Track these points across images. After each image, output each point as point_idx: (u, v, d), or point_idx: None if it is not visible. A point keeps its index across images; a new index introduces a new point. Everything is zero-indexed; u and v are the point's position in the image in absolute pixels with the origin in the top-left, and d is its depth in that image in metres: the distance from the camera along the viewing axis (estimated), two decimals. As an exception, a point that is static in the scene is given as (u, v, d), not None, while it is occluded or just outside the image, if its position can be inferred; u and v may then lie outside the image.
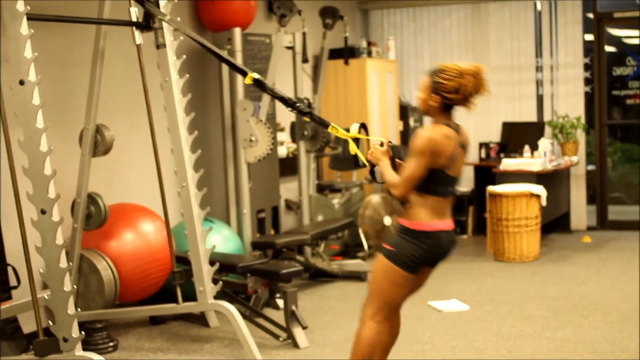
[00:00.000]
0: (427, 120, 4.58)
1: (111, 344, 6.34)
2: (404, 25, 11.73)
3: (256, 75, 4.87)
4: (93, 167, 6.38)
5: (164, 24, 6.01)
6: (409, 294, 4.72)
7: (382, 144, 4.51)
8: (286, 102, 4.84)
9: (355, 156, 4.64)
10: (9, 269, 6.15)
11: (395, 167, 4.51)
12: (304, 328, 6.32)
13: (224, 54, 5.30)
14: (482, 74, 4.38)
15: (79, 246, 6.40)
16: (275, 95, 4.87)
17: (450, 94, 4.34)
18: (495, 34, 11.22)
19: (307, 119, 8.19)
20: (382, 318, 4.59)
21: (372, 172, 4.63)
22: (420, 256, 4.45)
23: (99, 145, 6.30)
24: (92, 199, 6.38)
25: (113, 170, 7.19)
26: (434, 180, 4.40)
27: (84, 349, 5.63)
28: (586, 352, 5.95)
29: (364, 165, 4.60)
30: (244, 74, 4.96)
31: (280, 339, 6.39)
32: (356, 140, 4.60)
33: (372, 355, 4.61)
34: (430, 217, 4.43)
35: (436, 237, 4.45)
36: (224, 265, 6.72)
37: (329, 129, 4.64)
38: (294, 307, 6.31)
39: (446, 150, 4.36)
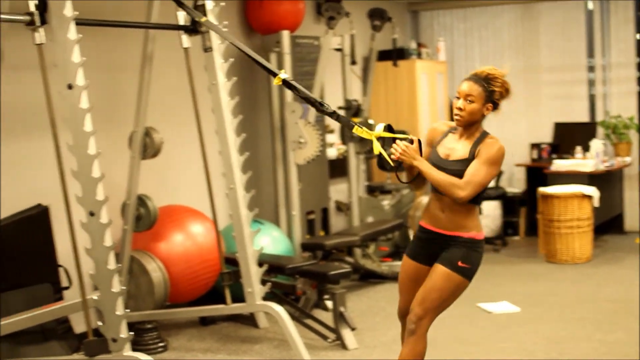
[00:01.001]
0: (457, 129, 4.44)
1: (161, 344, 6.39)
2: (454, 27, 11.69)
3: (284, 76, 4.72)
4: (142, 169, 6.44)
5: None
6: None
7: (411, 142, 4.32)
8: (312, 103, 4.61)
9: (380, 156, 4.36)
10: (61, 270, 6.25)
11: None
12: (353, 329, 6.33)
13: (252, 52, 5.19)
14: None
15: (129, 248, 6.47)
16: (302, 96, 4.73)
17: (500, 100, 4.32)
18: (546, 34, 11.13)
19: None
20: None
21: (397, 169, 4.40)
22: (479, 264, 4.44)
23: (148, 147, 6.37)
24: (141, 201, 6.45)
25: (162, 173, 7.26)
26: (485, 189, 4.39)
27: (135, 350, 5.69)
28: (638, 355, 5.88)
29: (390, 167, 4.34)
30: (274, 74, 4.82)
31: (329, 340, 6.40)
32: (382, 141, 4.33)
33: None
34: (479, 225, 4.44)
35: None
36: (273, 266, 6.74)
37: (354, 130, 4.39)
38: (342, 309, 6.32)
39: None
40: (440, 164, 4.35)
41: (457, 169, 4.32)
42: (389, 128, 4.38)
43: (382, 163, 4.37)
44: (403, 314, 4.65)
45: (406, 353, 4.47)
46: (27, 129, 6.14)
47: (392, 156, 4.29)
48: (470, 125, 4.36)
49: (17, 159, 6.09)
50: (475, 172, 4.28)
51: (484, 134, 4.37)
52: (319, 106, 4.59)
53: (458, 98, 4.34)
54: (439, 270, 4.39)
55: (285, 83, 4.64)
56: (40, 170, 6.13)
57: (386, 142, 4.36)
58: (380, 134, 4.34)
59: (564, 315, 6.94)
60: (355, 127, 4.41)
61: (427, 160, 4.38)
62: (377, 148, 4.34)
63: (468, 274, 4.38)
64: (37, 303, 5.91)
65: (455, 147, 4.41)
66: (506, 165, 11.13)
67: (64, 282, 6.27)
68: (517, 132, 11.30)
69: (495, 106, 4.33)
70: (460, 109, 4.32)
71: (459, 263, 4.36)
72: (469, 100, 4.30)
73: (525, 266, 9.07)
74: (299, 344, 5.88)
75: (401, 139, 4.32)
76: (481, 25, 11.52)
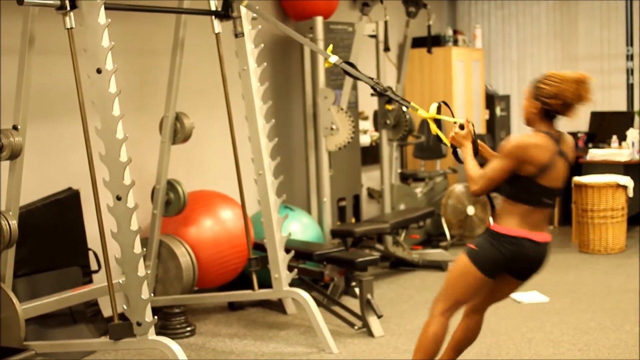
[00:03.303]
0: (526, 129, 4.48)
1: (189, 328, 6.44)
2: (492, 14, 11.63)
3: (333, 59, 4.94)
4: (172, 154, 6.48)
5: (242, 13, 6.05)
6: (487, 299, 4.73)
7: (462, 127, 4.46)
8: (367, 83, 4.91)
9: (438, 135, 4.67)
10: (90, 253, 6.30)
11: (477, 149, 4.48)
12: (379, 317, 6.32)
13: (305, 40, 5.43)
14: (586, 82, 4.31)
15: (159, 232, 6.51)
16: (355, 77, 4.92)
17: (549, 99, 4.26)
18: (584, 22, 11.03)
19: (389, 107, 8.35)
20: (451, 315, 4.56)
21: (455, 153, 4.55)
22: (499, 261, 4.38)
23: (179, 133, 6.40)
24: (171, 185, 6.49)
25: (192, 158, 7.29)
26: (524, 189, 4.32)
27: (162, 334, 5.76)
28: (667, 347, 5.84)
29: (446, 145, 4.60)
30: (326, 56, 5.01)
31: (356, 327, 6.40)
32: (437, 120, 4.63)
33: (436, 352, 4.56)
34: (518, 224, 4.35)
35: (518, 243, 4.35)
36: (301, 252, 6.76)
37: (409, 109, 4.72)
38: (369, 296, 6.32)
39: (536, 159, 4.27)
40: None
41: None
42: (444, 104, 4.67)
43: (440, 140, 4.65)
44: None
45: (420, 333, 4.59)
46: (58, 113, 6.19)
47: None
48: (531, 126, 4.42)
49: (48, 143, 6.14)
50: (489, 166, 4.34)
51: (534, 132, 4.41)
52: (374, 84, 4.88)
53: None
54: None
55: (337, 66, 4.89)
56: (72, 154, 6.18)
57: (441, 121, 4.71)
58: (434, 116, 4.65)
59: (593, 306, 6.89)
60: (410, 105, 4.72)
61: None
62: (434, 129, 4.67)
63: (471, 255, 4.41)
64: (67, 286, 5.98)
65: None
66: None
67: (94, 266, 6.33)
68: (553, 120, 11.22)
69: (545, 105, 4.29)
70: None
71: (468, 243, 4.50)
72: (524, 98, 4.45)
73: (557, 256, 8.97)
74: (324, 331, 5.90)
75: (454, 122, 4.54)
76: (518, 12, 11.46)
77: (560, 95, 4.25)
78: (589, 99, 4.32)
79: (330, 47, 5.06)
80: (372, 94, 8.79)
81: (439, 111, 4.65)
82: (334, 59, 4.96)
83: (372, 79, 4.91)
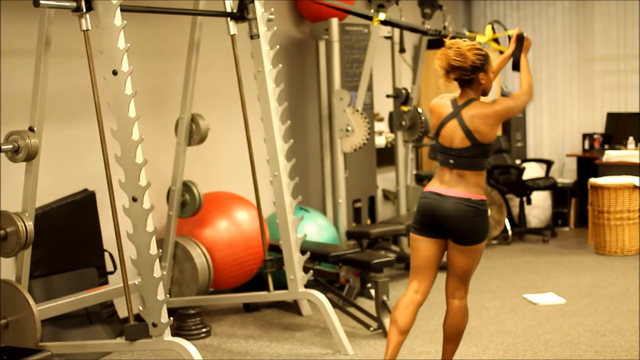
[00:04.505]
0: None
1: (204, 330, 6.44)
2: (507, 15, 11.59)
3: (382, 17, 5.13)
4: (188, 155, 6.49)
5: (258, 15, 6.05)
6: (448, 275, 4.89)
7: (522, 36, 4.90)
8: (417, 30, 5.26)
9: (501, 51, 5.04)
10: (106, 254, 6.31)
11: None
12: (395, 318, 6.30)
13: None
14: (450, 47, 4.66)
15: (174, 233, 6.52)
16: (406, 27, 5.22)
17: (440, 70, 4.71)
18: (600, 23, 10.98)
19: (405, 108, 8.34)
20: (415, 286, 4.84)
21: (516, 65, 4.89)
22: (418, 216, 4.75)
23: (194, 134, 6.41)
24: (187, 187, 6.50)
25: (208, 159, 7.30)
26: (437, 149, 4.75)
27: (178, 335, 5.77)
28: (683, 349, 5.81)
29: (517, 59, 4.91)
30: (370, 18, 5.23)
31: (371, 328, 6.39)
32: (496, 41, 5.15)
33: (394, 317, 4.87)
34: (433, 182, 4.72)
35: (425, 196, 4.71)
36: (317, 254, 6.77)
37: (470, 33, 5.09)
38: (384, 297, 6.31)
39: (432, 121, 4.77)
40: None
41: None
42: (497, 22, 5.01)
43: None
44: None
45: None
46: (74, 115, 6.21)
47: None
48: None
49: (64, 145, 6.16)
50: None
51: None
52: (425, 32, 5.45)
53: None
54: None
55: (384, 22, 5.26)
56: (88, 155, 6.20)
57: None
58: (493, 36, 5.21)
59: (610, 308, 6.86)
60: (467, 35, 5.07)
61: None
62: (496, 47, 5.33)
63: None
64: (82, 287, 5.98)
65: None
66: (557, 155, 11.07)
67: (109, 267, 6.34)
68: (569, 122, 11.20)
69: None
70: None
71: None
72: None
73: (573, 257, 8.98)
74: (340, 332, 5.89)
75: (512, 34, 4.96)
76: (534, 13, 11.42)
77: (438, 65, 4.69)
78: (442, 64, 4.67)
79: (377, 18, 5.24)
80: (387, 96, 8.80)
81: (493, 31, 5.13)
82: (382, 16, 5.18)
83: (420, 27, 5.32)
